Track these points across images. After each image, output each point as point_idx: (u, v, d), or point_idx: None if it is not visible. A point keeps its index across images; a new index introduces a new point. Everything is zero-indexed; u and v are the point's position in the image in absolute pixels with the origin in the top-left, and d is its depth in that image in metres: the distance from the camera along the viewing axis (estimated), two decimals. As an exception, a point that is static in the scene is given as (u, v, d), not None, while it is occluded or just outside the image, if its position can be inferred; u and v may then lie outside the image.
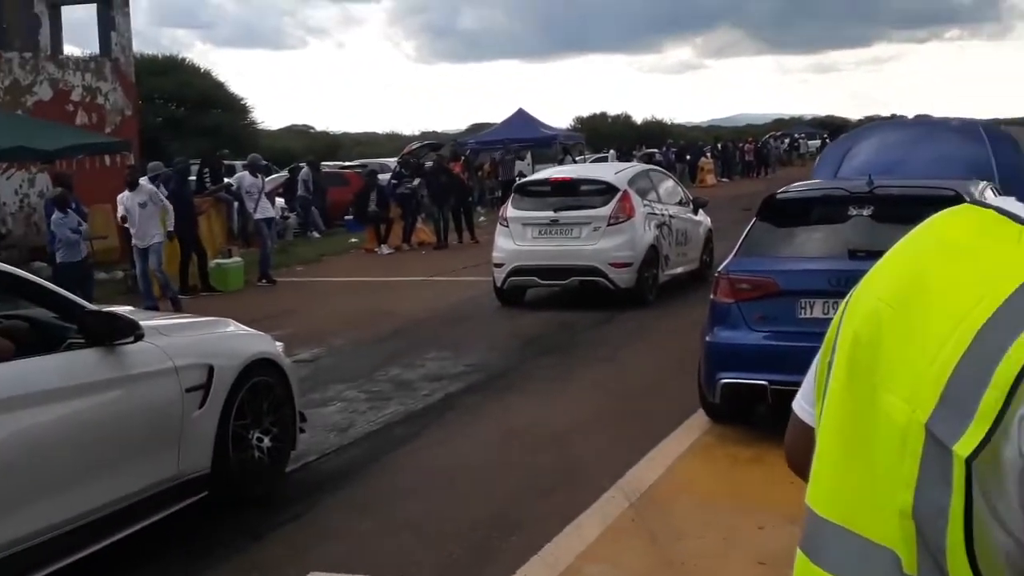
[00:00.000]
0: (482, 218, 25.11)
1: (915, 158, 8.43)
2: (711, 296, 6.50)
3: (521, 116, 34.89)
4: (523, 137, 33.14)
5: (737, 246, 6.64)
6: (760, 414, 6.59)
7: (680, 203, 13.63)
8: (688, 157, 41.11)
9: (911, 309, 1.04)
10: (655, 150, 43.03)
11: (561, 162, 29.99)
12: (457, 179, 21.17)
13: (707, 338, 6.41)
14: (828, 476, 1.10)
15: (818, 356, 1.20)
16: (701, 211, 14.12)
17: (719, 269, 6.65)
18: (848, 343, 1.09)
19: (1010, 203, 1.07)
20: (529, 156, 32.54)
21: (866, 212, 6.19)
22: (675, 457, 6.14)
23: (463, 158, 24.99)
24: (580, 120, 64.20)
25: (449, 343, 10.16)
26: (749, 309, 6.23)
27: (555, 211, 12.00)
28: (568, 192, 12.41)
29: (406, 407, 7.72)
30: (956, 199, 6.03)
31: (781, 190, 6.97)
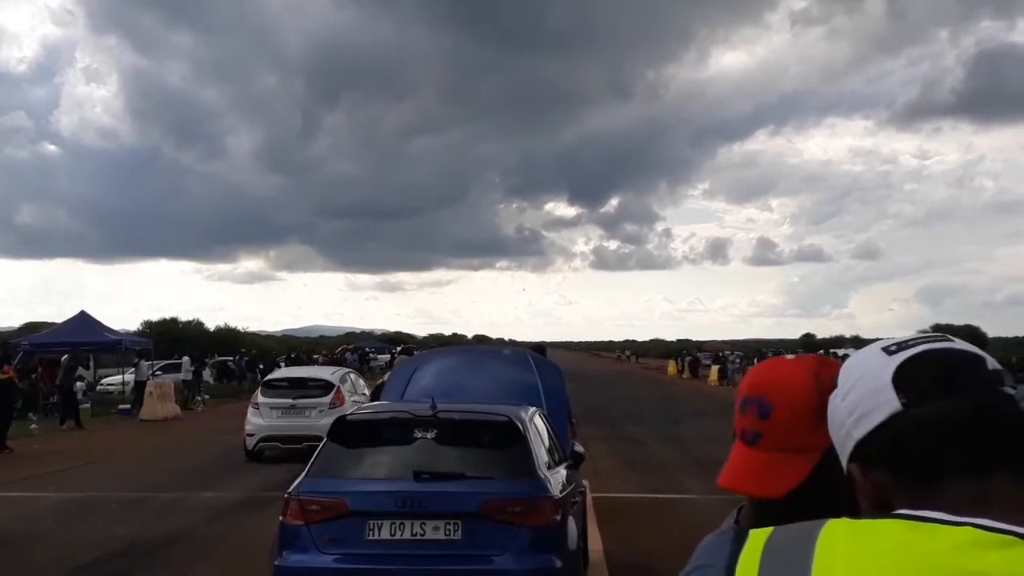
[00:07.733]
0: (34, 426, 22.91)
1: (473, 383, 9.14)
2: (280, 518, 6.40)
3: (83, 318, 32.79)
4: (85, 340, 31.24)
5: (307, 467, 6.66)
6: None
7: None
8: (261, 366, 40.90)
9: None
10: (228, 357, 42.45)
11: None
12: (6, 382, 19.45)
13: (276, 562, 6.26)
14: None
15: None
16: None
17: (288, 490, 6.59)
18: None
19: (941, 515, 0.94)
20: (91, 360, 30.68)
21: (430, 435, 6.54)
22: None
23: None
24: (149, 324, 61.88)
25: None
26: (319, 531, 6.20)
27: (293, 399, 18.05)
28: (301, 386, 18.62)
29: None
30: (509, 424, 6.63)
31: (351, 412, 7.18)
